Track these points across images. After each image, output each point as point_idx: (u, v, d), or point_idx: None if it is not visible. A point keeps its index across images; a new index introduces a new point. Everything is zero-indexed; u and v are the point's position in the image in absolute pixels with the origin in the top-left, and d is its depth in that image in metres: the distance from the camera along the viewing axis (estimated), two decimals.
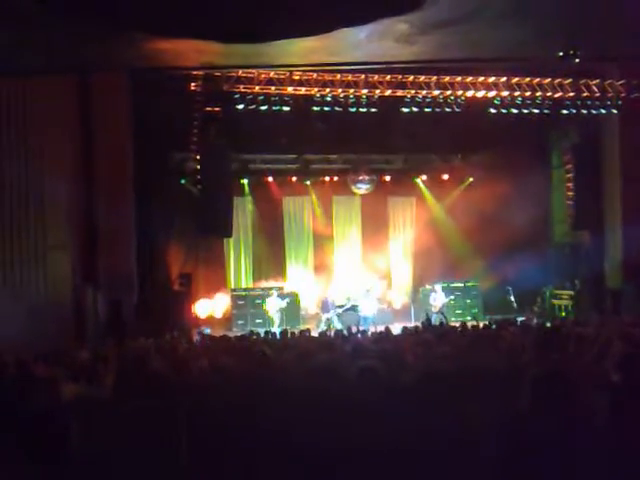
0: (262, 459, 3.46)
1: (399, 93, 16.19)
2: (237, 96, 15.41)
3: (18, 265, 11.64)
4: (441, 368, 3.96)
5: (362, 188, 20.06)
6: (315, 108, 15.81)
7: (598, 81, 16.67)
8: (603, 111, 16.92)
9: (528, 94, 16.60)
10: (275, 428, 3.70)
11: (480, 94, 16.47)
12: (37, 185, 12.16)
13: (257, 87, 15.43)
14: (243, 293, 18.83)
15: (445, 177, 20.54)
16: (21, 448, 3.20)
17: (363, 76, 15.78)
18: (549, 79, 16.55)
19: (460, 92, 16.35)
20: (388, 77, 15.92)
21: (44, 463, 3.18)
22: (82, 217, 14.35)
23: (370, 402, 3.48)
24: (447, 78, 16.18)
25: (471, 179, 20.41)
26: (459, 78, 16.23)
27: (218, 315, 19.03)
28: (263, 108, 15.52)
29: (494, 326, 10.95)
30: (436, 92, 16.27)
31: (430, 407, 3.36)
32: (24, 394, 4.68)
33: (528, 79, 16.49)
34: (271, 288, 18.49)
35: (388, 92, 16.10)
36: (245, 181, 19.49)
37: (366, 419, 3.34)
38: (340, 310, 17.58)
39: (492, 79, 16.35)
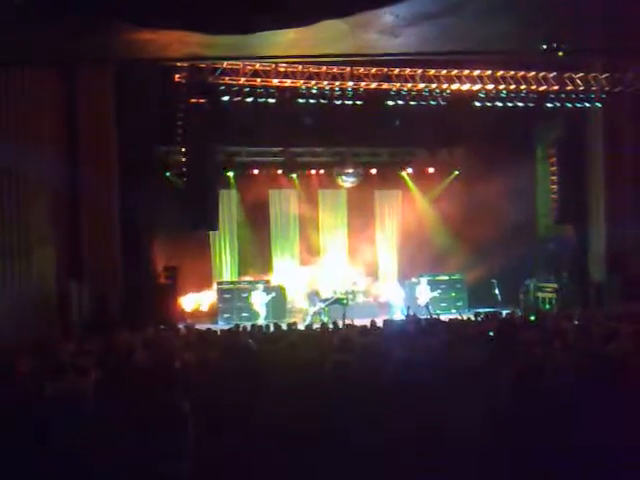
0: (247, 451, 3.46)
1: (385, 86, 16.20)
2: (222, 88, 15.34)
3: (2, 259, 11.52)
4: (424, 360, 3.98)
5: (348, 181, 20.07)
6: (300, 100, 15.79)
7: (582, 75, 16.77)
8: (587, 105, 17.02)
9: (513, 87, 16.67)
10: (263, 421, 3.71)
11: (465, 87, 16.51)
12: (21, 179, 12.04)
13: (242, 79, 15.37)
14: (229, 286, 18.79)
15: (431, 170, 20.59)
16: (2, 443, 3.18)
17: (348, 68, 15.77)
18: (534, 72, 16.62)
19: (445, 85, 16.39)
20: (373, 70, 15.92)
21: (25, 458, 3.16)
22: (66, 211, 14.24)
23: (346, 396, 3.49)
24: (432, 71, 16.21)
25: (456, 172, 20.49)
26: (444, 71, 16.26)
27: (204, 308, 18.99)
28: (248, 100, 15.47)
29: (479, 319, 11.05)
30: (421, 85, 16.29)
31: (409, 402, 3.37)
32: (8, 389, 4.65)
33: (513, 72, 16.55)
34: (257, 281, 18.46)
35: (374, 85, 16.10)
36: (230, 174, 19.41)
37: (345, 413, 3.35)
38: (326, 303, 17.59)
39: (477, 72, 16.39)
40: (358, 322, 11.96)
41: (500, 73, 16.51)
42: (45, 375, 5.15)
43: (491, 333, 7.31)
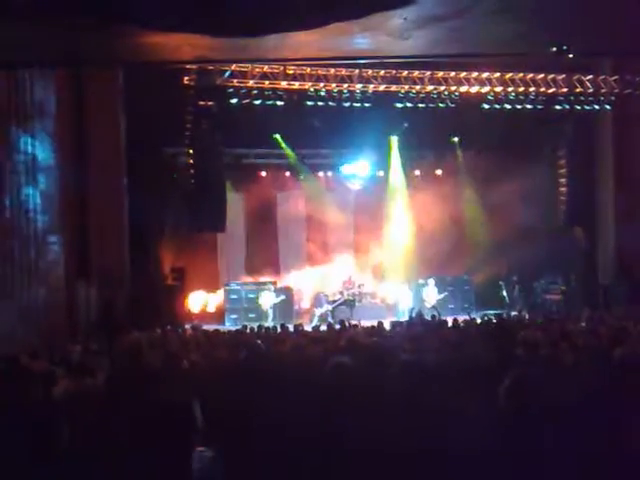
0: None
1: (393, 88, 16.19)
2: (231, 90, 15.38)
3: (10, 260, 11.59)
4: (429, 361, 3.97)
5: (356, 183, 20.07)
6: (309, 103, 15.80)
7: (591, 77, 16.71)
8: (596, 107, 16.96)
9: (522, 89, 16.63)
10: (267, 421, 3.72)
11: (474, 89, 16.49)
12: (29, 183, 12.11)
13: (251, 81, 15.41)
14: (237, 287, 18.81)
15: (439, 172, 20.56)
16: (12, 445, 3.19)
17: (357, 71, 15.79)
18: (542, 75, 16.58)
19: (454, 87, 16.37)
20: (382, 72, 15.92)
21: (36, 461, 3.17)
22: (75, 213, 14.30)
23: (346, 398, 3.48)
24: (441, 73, 16.20)
25: (465, 175, 20.43)
26: (453, 73, 16.26)
27: (211, 309, 19.01)
28: (257, 102, 15.50)
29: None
30: (430, 87, 16.28)
31: (412, 406, 3.36)
32: (16, 390, 4.67)
33: (521, 74, 16.52)
34: (265, 283, 18.48)
35: (382, 87, 16.09)
36: (238, 176, 19.43)
37: (344, 415, 3.34)
38: (333, 305, 17.59)
39: (486, 74, 16.37)
40: (365, 324, 11.95)
41: (509, 75, 16.49)
42: (53, 376, 5.17)
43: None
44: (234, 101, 15.44)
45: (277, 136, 18.32)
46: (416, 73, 16.11)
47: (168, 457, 2.72)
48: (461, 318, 12.29)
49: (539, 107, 16.94)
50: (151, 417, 2.83)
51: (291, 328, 11.69)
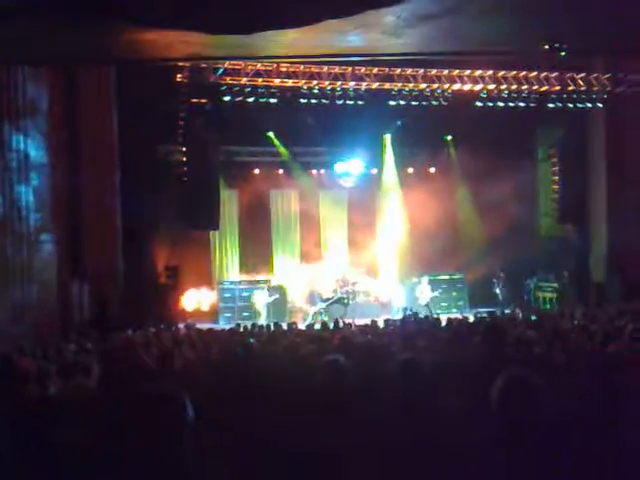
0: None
1: (386, 86, 16.20)
2: (224, 88, 15.35)
3: (4, 259, 11.55)
4: (422, 360, 3.97)
5: (349, 181, 20.06)
6: (302, 100, 15.80)
7: (584, 75, 16.76)
8: (589, 105, 17.02)
9: (514, 87, 16.68)
10: (261, 418, 3.72)
11: (467, 87, 16.52)
12: (22, 181, 12.07)
13: (244, 79, 15.38)
14: (230, 286, 18.79)
15: (432, 170, 20.58)
16: (6, 444, 3.18)
17: (350, 68, 15.79)
18: (535, 72, 16.62)
19: (447, 85, 16.39)
20: (375, 70, 15.92)
21: (29, 459, 3.17)
22: (68, 211, 14.25)
23: (339, 397, 3.47)
24: (434, 71, 16.22)
25: (458, 173, 20.45)
26: (446, 71, 16.28)
27: (205, 308, 18.97)
28: (250, 100, 15.48)
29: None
30: (423, 85, 16.30)
31: (408, 400, 3.36)
32: (10, 389, 4.66)
33: (514, 72, 16.56)
34: (258, 281, 18.47)
35: (375, 85, 16.10)
36: (231, 173, 19.40)
37: (338, 415, 3.34)
38: (327, 303, 17.60)
39: (479, 72, 16.40)
40: (359, 322, 11.97)
41: (502, 73, 16.52)
42: (48, 375, 5.17)
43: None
44: (227, 99, 15.42)
45: (270, 134, 18.31)
46: (409, 71, 16.12)
47: (160, 453, 2.71)
48: (454, 316, 12.32)
49: (532, 105, 16.98)
50: (143, 413, 2.82)
51: (285, 326, 11.70)
